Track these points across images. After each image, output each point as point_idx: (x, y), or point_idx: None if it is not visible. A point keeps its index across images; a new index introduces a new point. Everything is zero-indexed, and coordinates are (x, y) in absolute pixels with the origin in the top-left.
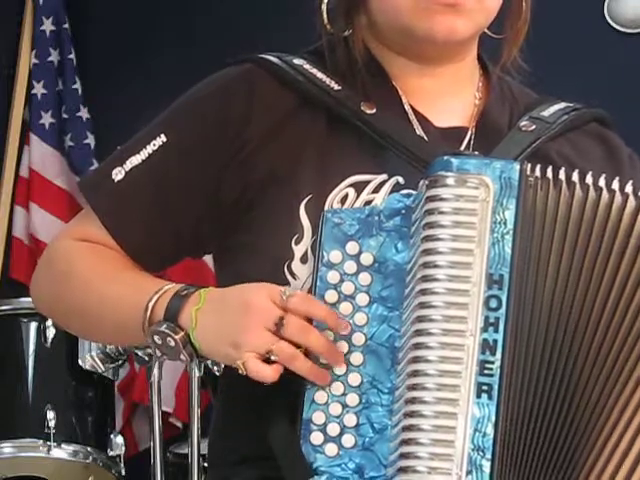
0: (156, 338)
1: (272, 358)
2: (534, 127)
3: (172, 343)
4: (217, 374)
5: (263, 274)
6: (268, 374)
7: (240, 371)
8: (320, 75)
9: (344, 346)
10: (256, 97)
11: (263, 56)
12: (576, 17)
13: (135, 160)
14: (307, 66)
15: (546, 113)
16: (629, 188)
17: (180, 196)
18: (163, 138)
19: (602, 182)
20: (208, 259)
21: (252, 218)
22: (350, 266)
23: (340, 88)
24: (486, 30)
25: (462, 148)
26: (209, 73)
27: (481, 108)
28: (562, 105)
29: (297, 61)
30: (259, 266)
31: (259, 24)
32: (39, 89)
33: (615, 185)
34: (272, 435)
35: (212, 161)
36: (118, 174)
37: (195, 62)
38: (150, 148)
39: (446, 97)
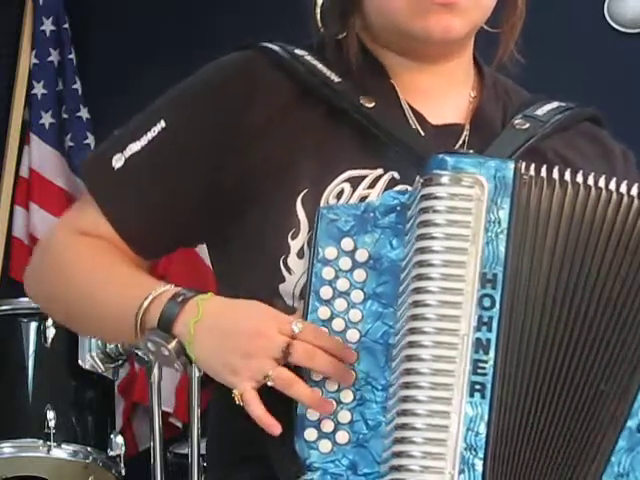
0: (150, 345)
1: (269, 384)
2: (528, 125)
3: (166, 352)
4: None
5: (259, 268)
6: (258, 414)
7: (236, 399)
8: (321, 67)
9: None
10: (256, 84)
11: (265, 44)
12: (576, 17)
13: (135, 147)
14: (308, 57)
15: (539, 112)
16: (623, 187)
17: (179, 183)
18: (162, 124)
19: (598, 180)
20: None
21: (249, 210)
22: (345, 262)
23: (340, 80)
24: (482, 24)
25: (458, 145)
26: None
27: (476, 105)
28: (555, 105)
29: (299, 51)
30: (255, 260)
31: (258, 26)
32: (39, 89)
33: (612, 184)
34: (266, 435)
35: (211, 147)
36: (118, 161)
37: (195, 62)
38: (150, 134)
39: (442, 95)
